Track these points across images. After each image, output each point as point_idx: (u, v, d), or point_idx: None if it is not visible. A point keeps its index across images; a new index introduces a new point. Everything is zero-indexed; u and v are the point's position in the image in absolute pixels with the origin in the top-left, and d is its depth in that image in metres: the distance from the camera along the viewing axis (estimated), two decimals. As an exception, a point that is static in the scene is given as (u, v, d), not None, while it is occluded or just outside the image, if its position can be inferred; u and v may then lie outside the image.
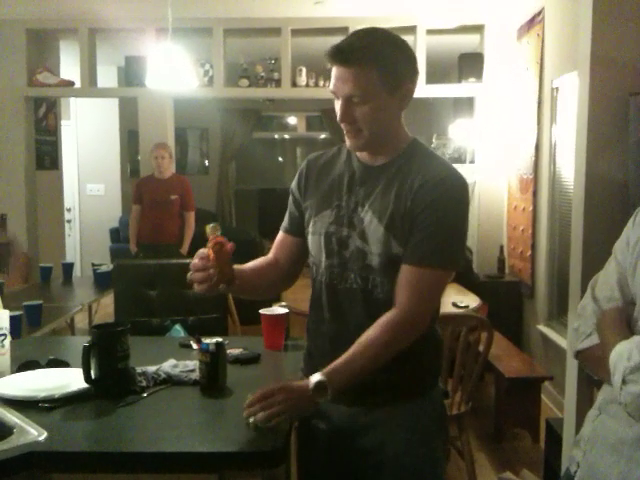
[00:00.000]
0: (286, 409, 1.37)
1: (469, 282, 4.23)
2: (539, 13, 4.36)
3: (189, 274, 1.45)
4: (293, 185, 1.64)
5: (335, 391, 1.38)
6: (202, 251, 1.45)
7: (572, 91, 3.55)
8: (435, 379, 1.58)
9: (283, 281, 1.70)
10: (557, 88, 4.07)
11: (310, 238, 1.56)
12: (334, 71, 1.42)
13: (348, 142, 1.50)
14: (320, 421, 1.56)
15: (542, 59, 4.30)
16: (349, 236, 1.48)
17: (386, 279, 1.45)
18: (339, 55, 1.40)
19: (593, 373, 1.35)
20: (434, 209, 1.41)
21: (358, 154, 1.55)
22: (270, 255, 1.67)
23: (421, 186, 1.42)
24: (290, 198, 1.65)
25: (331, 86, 1.45)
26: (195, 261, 1.44)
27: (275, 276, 1.65)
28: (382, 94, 1.41)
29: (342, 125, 1.47)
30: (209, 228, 1.46)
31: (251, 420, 1.39)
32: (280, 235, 1.67)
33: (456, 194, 1.45)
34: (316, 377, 1.38)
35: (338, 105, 1.46)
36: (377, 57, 1.39)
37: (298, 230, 1.62)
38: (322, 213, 1.53)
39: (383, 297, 1.46)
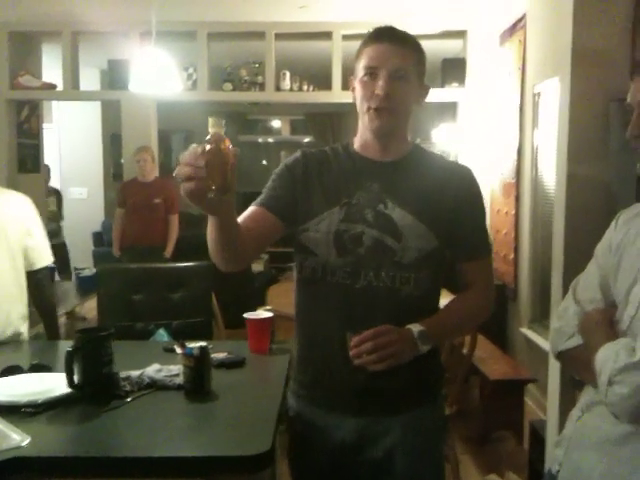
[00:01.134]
0: (397, 352, 1.36)
1: (454, 286, 4.24)
2: (521, 19, 4.41)
3: (177, 169, 1.18)
4: (284, 169, 1.54)
5: (432, 343, 1.44)
6: (195, 145, 1.18)
7: (553, 96, 3.59)
8: (440, 384, 1.59)
9: (245, 252, 1.44)
10: (539, 93, 4.11)
11: (312, 236, 1.48)
12: (376, 49, 1.46)
13: (374, 122, 1.45)
14: (323, 436, 1.50)
15: (524, 65, 4.34)
16: (363, 232, 1.45)
17: (421, 274, 1.46)
18: (391, 32, 1.49)
19: (575, 374, 1.36)
20: (474, 204, 1.55)
21: (361, 151, 1.53)
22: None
23: (453, 184, 1.51)
24: (275, 179, 1.54)
25: (369, 63, 1.45)
26: (185, 154, 1.18)
27: (243, 243, 1.40)
28: (416, 79, 1.49)
29: (372, 102, 1.44)
30: (212, 120, 1.22)
31: (356, 362, 1.34)
32: (254, 208, 1.50)
33: (477, 184, 1.57)
34: (417, 327, 1.41)
35: (365, 86, 1.45)
36: (417, 45, 1.52)
37: (277, 208, 1.49)
38: (329, 210, 1.47)
39: (418, 294, 1.46)
